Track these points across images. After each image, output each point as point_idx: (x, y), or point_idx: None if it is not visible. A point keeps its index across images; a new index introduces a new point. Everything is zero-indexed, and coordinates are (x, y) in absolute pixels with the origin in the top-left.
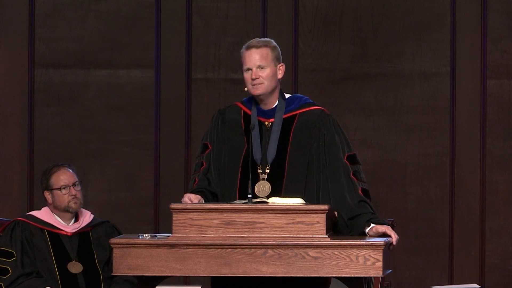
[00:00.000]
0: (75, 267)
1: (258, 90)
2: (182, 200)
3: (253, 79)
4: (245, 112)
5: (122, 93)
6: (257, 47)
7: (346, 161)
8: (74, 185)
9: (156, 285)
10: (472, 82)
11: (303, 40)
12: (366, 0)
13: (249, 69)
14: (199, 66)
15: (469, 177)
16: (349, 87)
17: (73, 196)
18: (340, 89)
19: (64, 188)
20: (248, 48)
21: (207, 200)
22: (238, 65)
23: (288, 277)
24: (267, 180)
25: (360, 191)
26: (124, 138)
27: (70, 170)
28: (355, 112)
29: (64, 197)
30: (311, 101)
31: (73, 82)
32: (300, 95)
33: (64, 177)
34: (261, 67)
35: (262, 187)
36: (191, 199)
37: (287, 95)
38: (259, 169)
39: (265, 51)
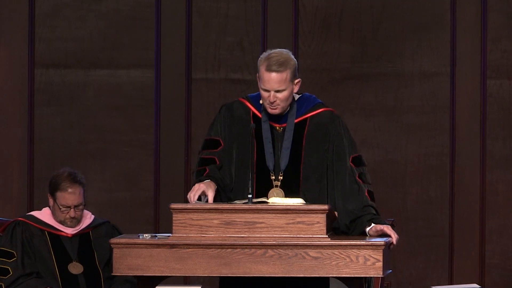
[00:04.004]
0: (75, 268)
1: (274, 111)
2: (190, 192)
3: (271, 102)
4: (254, 114)
5: (122, 93)
6: (277, 72)
7: (351, 164)
8: (77, 206)
9: (156, 285)
10: (472, 82)
11: (303, 40)
12: (366, 0)
13: (267, 90)
14: (199, 66)
15: (469, 177)
16: (349, 87)
17: (71, 218)
18: (340, 89)
19: (65, 207)
20: (268, 70)
21: (219, 187)
22: (238, 65)
23: (291, 278)
24: (280, 187)
25: (366, 193)
26: (124, 138)
27: (79, 189)
28: (355, 112)
29: (62, 214)
30: (319, 101)
31: (73, 82)
32: (307, 94)
33: (69, 197)
34: (279, 91)
35: (276, 194)
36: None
37: (296, 96)
38: (272, 176)
39: (285, 74)
